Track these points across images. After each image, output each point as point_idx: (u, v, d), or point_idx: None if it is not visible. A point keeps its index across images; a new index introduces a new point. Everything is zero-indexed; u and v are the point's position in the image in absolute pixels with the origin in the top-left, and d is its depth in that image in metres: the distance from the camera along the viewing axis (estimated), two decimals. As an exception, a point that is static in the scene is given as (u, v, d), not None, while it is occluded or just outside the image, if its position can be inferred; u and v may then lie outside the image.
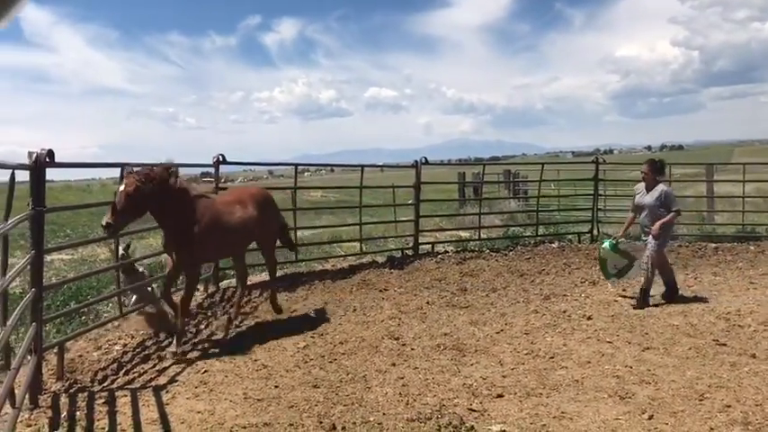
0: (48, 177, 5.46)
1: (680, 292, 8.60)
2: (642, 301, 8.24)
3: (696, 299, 8.60)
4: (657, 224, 8.13)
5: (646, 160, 8.80)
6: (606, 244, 8.95)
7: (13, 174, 4.46)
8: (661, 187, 8.37)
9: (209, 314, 8.11)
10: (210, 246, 6.88)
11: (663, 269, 8.53)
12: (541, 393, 5.39)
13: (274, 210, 8.14)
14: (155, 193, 6.24)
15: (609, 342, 6.77)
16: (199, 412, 5.11)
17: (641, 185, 8.65)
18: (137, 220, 6.49)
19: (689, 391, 5.32)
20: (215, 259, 8.54)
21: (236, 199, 7.45)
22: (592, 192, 14.45)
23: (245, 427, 4.79)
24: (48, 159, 5.28)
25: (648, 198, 8.36)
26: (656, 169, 8.52)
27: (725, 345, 6.55)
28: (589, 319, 7.71)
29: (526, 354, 6.48)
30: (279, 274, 10.36)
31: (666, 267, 8.63)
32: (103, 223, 6.04)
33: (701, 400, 5.12)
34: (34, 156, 5.19)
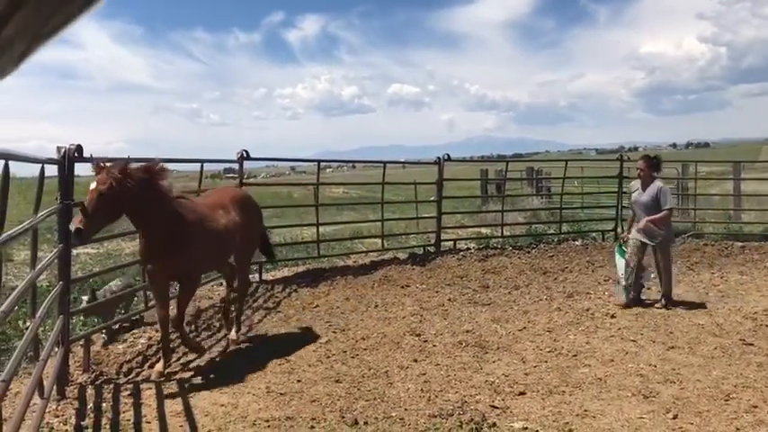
0: (75, 172, 5.53)
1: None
2: (667, 299, 8.13)
3: (722, 298, 8.49)
4: (644, 220, 7.94)
5: (641, 156, 8.60)
6: (616, 251, 8.57)
7: (42, 168, 4.53)
8: (657, 184, 8.13)
9: (232, 309, 8.17)
10: (199, 254, 5.88)
11: (668, 273, 8.19)
12: (564, 391, 5.37)
13: (257, 214, 7.25)
14: (133, 193, 5.21)
15: (633, 340, 6.72)
16: (222, 405, 5.15)
17: (637, 183, 8.41)
18: (112, 224, 5.54)
19: (714, 390, 5.26)
20: (203, 271, 6.83)
21: (217, 202, 6.43)
22: (616, 189, 14.30)
23: (267, 421, 4.83)
24: (76, 154, 5.36)
25: (645, 196, 8.13)
26: (652, 165, 8.28)
27: (752, 345, 6.46)
28: (613, 317, 7.65)
29: (549, 351, 6.44)
30: (301, 269, 10.44)
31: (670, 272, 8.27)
32: (72, 228, 4.97)
33: (726, 401, 5.06)
34: (63, 151, 5.27)
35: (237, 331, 6.95)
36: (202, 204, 6.22)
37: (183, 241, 5.61)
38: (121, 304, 7.02)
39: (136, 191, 5.23)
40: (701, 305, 8.15)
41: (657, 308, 7.99)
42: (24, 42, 0.54)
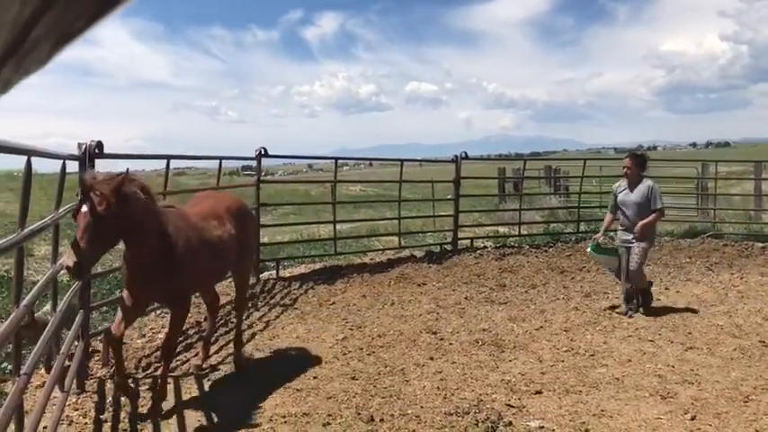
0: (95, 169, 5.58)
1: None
2: (632, 305, 7.82)
3: (742, 299, 8.40)
4: (640, 224, 7.56)
5: (627, 154, 8.20)
6: (590, 249, 8.20)
7: (63, 164, 4.58)
8: (648, 183, 7.74)
9: (250, 306, 8.21)
10: (194, 273, 5.05)
11: (639, 271, 7.77)
12: (581, 391, 5.35)
13: (254, 225, 6.77)
14: (132, 215, 4.35)
15: (651, 341, 6.67)
16: (238, 400, 5.19)
17: (622, 182, 8.01)
18: (108, 251, 4.66)
19: (733, 392, 5.22)
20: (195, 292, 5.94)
21: (210, 212, 5.47)
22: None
23: (284, 417, 4.86)
24: (96, 150, 5.41)
25: (634, 196, 7.72)
26: (640, 163, 7.90)
27: (772, 346, 6.39)
28: (630, 317, 7.60)
29: (566, 351, 6.42)
30: (318, 266, 10.47)
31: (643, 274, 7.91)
32: (69, 264, 4.04)
33: (746, 402, 5.01)
34: (84, 147, 5.32)
35: (239, 351, 6.14)
36: (194, 215, 5.25)
37: (174, 261, 4.76)
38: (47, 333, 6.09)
39: (136, 212, 4.38)
40: (720, 306, 8.06)
41: (641, 313, 7.70)
42: (51, 42, 0.55)
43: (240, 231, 5.65)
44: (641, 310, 7.78)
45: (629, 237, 7.72)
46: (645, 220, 7.57)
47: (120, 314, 4.96)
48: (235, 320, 6.56)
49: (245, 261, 6.17)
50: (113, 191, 4.16)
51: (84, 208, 4.13)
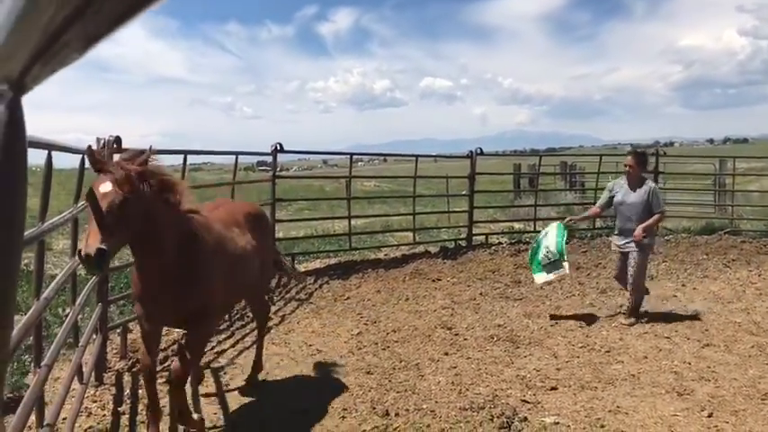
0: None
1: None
2: (634, 315, 7.32)
3: (760, 296, 8.34)
4: (640, 228, 7.06)
5: (629, 151, 7.79)
6: (557, 228, 7.76)
7: (82, 159, 4.63)
8: (650, 184, 7.31)
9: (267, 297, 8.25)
10: (219, 285, 4.29)
11: (640, 283, 7.33)
12: (596, 387, 5.33)
13: (270, 233, 6.44)
14: (155, 203, 3.69)
15: (667, 338, 6.63)
16: (254, 393, 5.23)
17: (621, 181, 7.53)
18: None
19: (751, 390, 5.18)
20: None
21: (230, 218, 4.83)
22: (651, 185, 14.10)
23: (301, 412, 4.89)
24: (115, 145, 5.46)
25: (635, 196, 7.21)
26: (642, 162, 7.46)
27: (790, 344, 6.34)
28: (646, 313, 7.56)
29: (581, 347, 6.40)
30: (333, 261, 10.50)
31: (643, 281, 7.42)
32: (90, 252, 3.24)
33: (763, 400, 4.98)
34: (102, 142, 5.38)
35: (252, 377, 5.56)
36: (215, 220, 4.56)
37: (199, 269, 4.05)
38: None
39: (159, 201, 3.74)
40: (738, 303, 8.00)
41: (623, 323, 7.17)
42: (80, 45, 0.57)
43: (261, 240, 5.12)
44: (630, 318, 7.27)
45: (627, 241, 7.24)
46: (646, 223, 7.10)
47: (141, 343, 4.36)
48: (251, 315, 6.53)
49: (266, 271, 5.58)
50: (142, 166, 3.55)
51: (107, 185, 3.37)
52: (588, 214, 8.09)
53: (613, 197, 7.45)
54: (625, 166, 7.44)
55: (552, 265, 7.60)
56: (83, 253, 3.25)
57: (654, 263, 10.18)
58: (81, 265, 3.47)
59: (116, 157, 3.70)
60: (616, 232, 7.54)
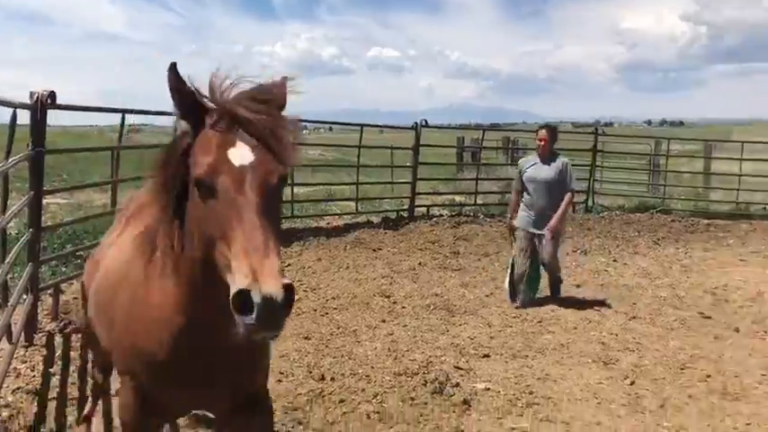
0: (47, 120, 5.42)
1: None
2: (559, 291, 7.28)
3: (685, 272, 8.71)
4: (555, 218, 6.78)
5: (541, 125, 7.41)
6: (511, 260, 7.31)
7: (14, 113, 4.46)
8: (563, 159, 7.01)
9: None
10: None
11: (556, 264, 7.13)
12: (527, 355, 5.51)
13: None
14: None
15: (596, 310, 6.88)
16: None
17: (530, 157, 7.31)
18: None
19: (671, 360, 5.45)
20: None
21: None
22: (589, 163, 14.46)
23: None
24: (49, 101, 5.26)
25: (548, 171, 6.89)
26: (555, 137, 7.23)
27: (710, 318, 6.68)
28: (578, 286, 7.83)
29: (514, 317, 6.58)
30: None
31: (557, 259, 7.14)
32: (280, 292, 1.65)
33: (681, 370, 5.25)
34: (36, 96, 5.17)
35: None
36: None
37: None
38: None
39: None
40: (665, 278, 8.34)
41: (556, 300, 7.15)
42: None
43: None
44: (555, 293, 7.27)
45: (540, 228, 6.91)
46: (559, 212, 6.81)
47: None
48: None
49: None
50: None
51: (260, 150, 1.86)
52: (512, 207, 7.38)
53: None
54: (540, 140, 7.09)
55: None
56: (271, 293, 1.64)
57: (588, 238, 10.56)
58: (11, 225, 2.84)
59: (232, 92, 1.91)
60: (526, 213, 7.07)
